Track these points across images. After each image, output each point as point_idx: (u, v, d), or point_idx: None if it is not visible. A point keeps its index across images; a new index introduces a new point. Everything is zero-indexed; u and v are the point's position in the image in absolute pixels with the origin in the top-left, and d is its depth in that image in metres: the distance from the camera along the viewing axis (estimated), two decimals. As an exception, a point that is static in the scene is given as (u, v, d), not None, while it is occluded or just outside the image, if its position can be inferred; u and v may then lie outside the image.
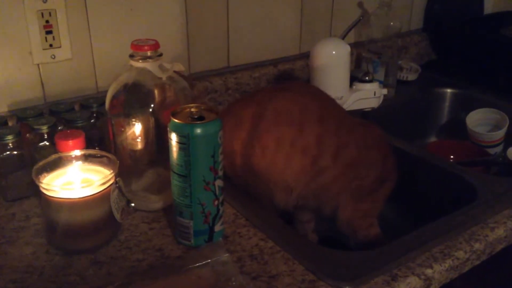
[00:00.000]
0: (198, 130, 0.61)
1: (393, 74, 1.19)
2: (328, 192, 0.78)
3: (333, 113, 0.79)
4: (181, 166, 0.62)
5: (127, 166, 0.73)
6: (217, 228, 0.67)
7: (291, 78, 1.16)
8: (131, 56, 0.70)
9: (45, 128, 0.76)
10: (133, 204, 0.69)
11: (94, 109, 0.84)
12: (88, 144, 0.74)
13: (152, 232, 0.70)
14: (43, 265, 0.63)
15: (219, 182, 0.65)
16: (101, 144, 0.81)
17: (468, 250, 0.68)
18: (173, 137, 0.62)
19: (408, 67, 1.32)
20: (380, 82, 1.16)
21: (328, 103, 0.80)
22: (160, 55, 0.71)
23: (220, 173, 0.65)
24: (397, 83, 1.23)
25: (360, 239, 0.80)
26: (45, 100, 0.91)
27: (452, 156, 1.15)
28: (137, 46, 0.70)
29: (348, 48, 0.93)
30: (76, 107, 0.87)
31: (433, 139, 1.30)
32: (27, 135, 0.77)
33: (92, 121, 0.82)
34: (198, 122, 0.61)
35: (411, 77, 1.30)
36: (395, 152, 0.84)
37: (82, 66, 0.93)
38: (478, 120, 1.17)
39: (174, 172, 0.63)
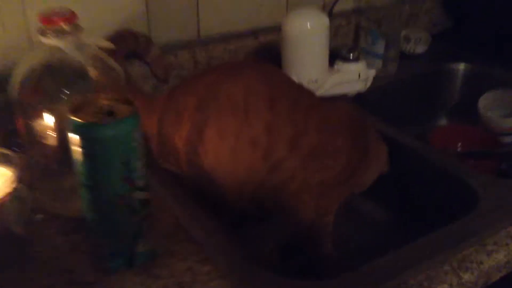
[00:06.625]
0: (103, 132, 0.47)
1: (395, 46, 1.02)
2: (286, 190, 0.65)
3: (286, 93, 0.65)
4: (84, 175, 0.50)
5: (45, 164, 0.61)
6: (141, 248, 0.54)
7: (275, 51, 1.00)
8: (41, 31, 0.57)
9: None
10: (41, 216, 0.57)
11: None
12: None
13: (66, 246, 0.58)
14: None
15: (139, 195, 0.52)
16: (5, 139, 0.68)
17: (454, 283, 0.54)
18: (73, 140, 0.49)
19: (417, 37, 1.14)
20: (379, 56, 1.00)
21: (279, 82, 0.67)
22: (79, 28, 0.57)
23: (141, 183, 0.51)
24: (402, 56, 1.06)
25: (322, 251, 0.69)
26: None
27: (460, 144, 1.00)
28: (46, 18, 0.56)
29: (326, 20, 0.77)
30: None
31: (442, 122, 1.14)
32: None
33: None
34: (103, 121, 0.48)
35: (419, 49, 1.12)
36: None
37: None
38: (493, 102, 1.00)
39: (79, 182, 0.51)
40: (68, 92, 0.58)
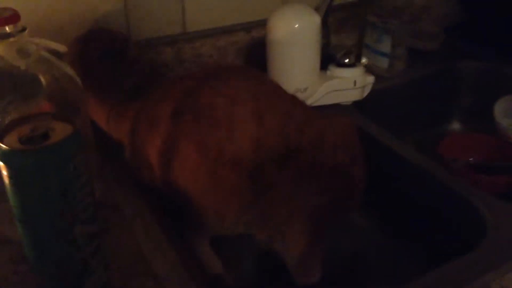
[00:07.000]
0: (28, 160, 0.40)
1: (402, 43, 0.92)
2: (276, 216, 0.58)
3: (277, 105, 0.58)
4: (16, 208, 0.43)
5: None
6: (90, 286, 0.47)
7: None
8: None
9: None
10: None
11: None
12: None
13: (15, 277, 0.51)
14: None
15: (82, 229, 0.44)
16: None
17: None
18: (1, 168, 0.41)
19: (429, 32, 1.04)
20: (385, 54, 0.91)
21: (269, 92, 0.59)
22: (23, 30, 0.50)
23: (85, 215, 0.44)
24: (412, 54, 0.97)
25: (309, 281, 0.61)
26: None
27: (472, 155, 0.91)
28: (-16, 19, 0.49)
29: (317, 19, 0.67)
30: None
31: (454, 128, 1.04)
32: None
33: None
34: (29, 147, 0.41)
35: (431, 45, 1.03)
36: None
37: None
38: (510, 108, 0.90)
39: (14, 215, 0.44)
40: (11, 103, 0.51)
